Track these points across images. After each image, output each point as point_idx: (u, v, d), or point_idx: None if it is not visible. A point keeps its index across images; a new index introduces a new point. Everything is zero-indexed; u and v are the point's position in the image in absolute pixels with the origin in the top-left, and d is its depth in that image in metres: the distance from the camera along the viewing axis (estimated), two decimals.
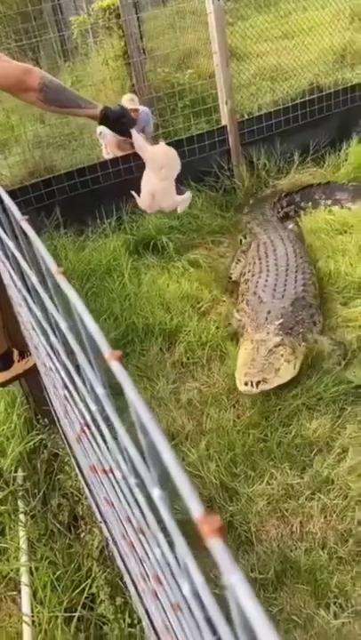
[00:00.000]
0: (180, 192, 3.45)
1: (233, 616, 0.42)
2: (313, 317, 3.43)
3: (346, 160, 5.20)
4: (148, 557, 0.82)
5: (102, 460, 0.88)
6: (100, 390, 0.63)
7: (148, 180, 3.53)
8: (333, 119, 5.41)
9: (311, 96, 5.37)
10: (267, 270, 3.73)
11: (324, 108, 5.35)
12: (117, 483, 0.80)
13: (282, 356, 3.03)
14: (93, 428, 0.82)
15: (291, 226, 4.41)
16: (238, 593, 0.37)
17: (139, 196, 3.38)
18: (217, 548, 0.38)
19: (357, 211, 4.59)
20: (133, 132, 3.31)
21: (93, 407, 0.72)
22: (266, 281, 3.63)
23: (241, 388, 2.91)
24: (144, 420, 0.45)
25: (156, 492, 0.48)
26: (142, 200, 3.47)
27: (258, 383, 2.87)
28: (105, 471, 0.90)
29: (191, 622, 0.61)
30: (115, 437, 0.66)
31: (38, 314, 0.90)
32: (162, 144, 3.58)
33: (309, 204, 4.81)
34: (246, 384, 2.87)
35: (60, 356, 0.87)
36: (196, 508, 0.39)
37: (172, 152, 3.53)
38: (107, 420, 0.68)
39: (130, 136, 3.24)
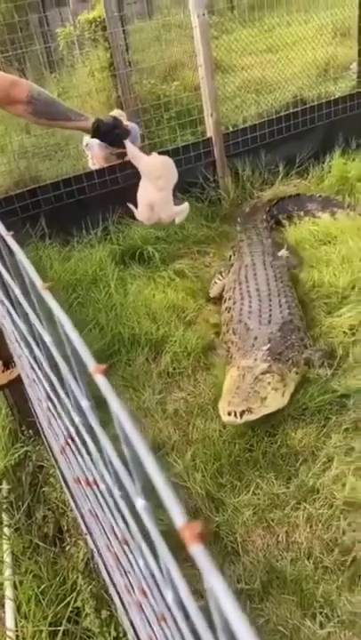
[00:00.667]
0: (177, 202, 3.44)
1: (214, 620, 0.42)
2: (303, 341, 3.34)
3: (329, 172, 5.28)
4: (133, 569, 0.82)
5: (86, 472, 0.88)
6: (84, 403, 0.63)
7: (146, 192, 3.44)
8: (317, 132, 5.49)
9: (295, 109, 5.45)
10: (248, 296, 3.61)
11: (307, 120, 5.43)
12: (102, 494, 0.80)
13: (269, 384, 2.91)
14: (77, 440, 0.82)
15: (283, 252, 4.25)
16: (219, 596, 0.37)
17: (136, 208, 3.36)
18: (198, 552, 0.39)
19: (328, 220, 4.72)
20: (127, 142, 3.25)
21: (77, 419, 0.72)
22: (250, 307, 3.51)
23: (224, 418, 2.79)
24: (128, 432, 0.45)
25: (139, 503, 0.48)
26: (140, 212, 3.38)
27: (242, 413, 2.75)
28: (89, 483, 0.90)
29: (175, 633, 0.62)
30: (99, 449, 0.66)
31: (22, 326, 0.91)
32: (155, 154, 3.57)
33: (285, 215, 4.89)
34: (230, 414, 2.76)
35: (44, 368, 0.88)
36: (178, 515, 0.40)
37: (169, 162, 3.45)
38: (90, 431, 0.69)
39: (124, 147, 3.24)
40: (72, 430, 0.85)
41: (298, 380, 3.12)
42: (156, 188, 3.45)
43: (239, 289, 3.72)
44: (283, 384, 2.98)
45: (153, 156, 3.50)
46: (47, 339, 0.70)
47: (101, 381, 0.50)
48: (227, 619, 0.36)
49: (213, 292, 4.15)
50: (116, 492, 0.61)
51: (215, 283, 4.16)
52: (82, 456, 0.86)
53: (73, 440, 0.89)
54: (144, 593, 0.78)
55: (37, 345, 0.90)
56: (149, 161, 3.41)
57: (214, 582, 0.37)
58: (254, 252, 4.15)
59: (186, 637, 0.61)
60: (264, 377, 2.93)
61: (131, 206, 3.36)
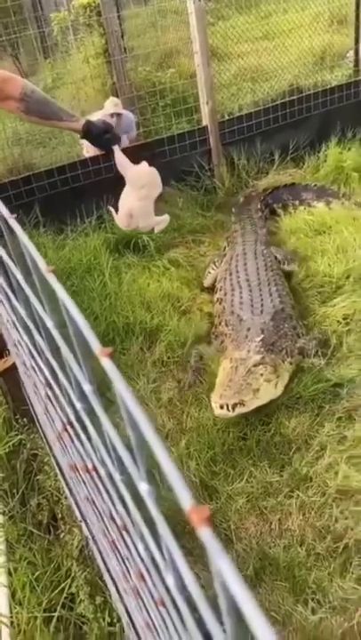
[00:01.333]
0: (158, 213, 3.45)
1: (220, 603, 0.43)
2: (296, 329, 3.34)
3: (325, 161, 5.26)
4: (131, 554, 0.83)
5: (85, 459, 0.88)
6: (86, 387, 0.63)
7: (128, 199, 3.48)
8: (313, 120, 5.47)
9: (291, 97, 5.42)
10: (239, 287, 3.59)
11: (303, 109, 5.41)
12: (101, 480, 0.80)
13: (261, 375, 2.90)
14: (77, 426, 0.82)
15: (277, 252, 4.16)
16: (227, 578, 0.38)
17: (117, 212, 3.39)
18: (206, 535, 0.39)
19: (323, 209, 4.71)
20: (116, 149, 3.27)
21: (78, 405, 0.72)
22: (241, 297, 3.49)
23: (216, 411, 2.77)
24: (134, 414, 0.45)
25: (143, 487, 0.48)
26: (119, 218, 3.45)
27: (234, 406, 2.74)
28: (88, 469, 0.90)
29: (175, 616, 0.62)
30: (100, 434, 0.66)
31: (22, 312, 0.90)
32: (144, 164, 3.56)
33: (280, 204, 4.88)
34: (222, 407, 2.74)
35: (45, 354, 0.87)
36: (186, 499, 0.40)
37: (155, 172, 3.51)
38: (91, 416, 0.68)
39: (112, 151, 3.19)
40: (72, 416, 0.85)
41: (292, 371, 3.12)
42: (138, 197, 3.52)
43: (230, 279, 3.71)
44: (276, 375, 2.97)
45: (140, 166, 3.53)
46: (49, 323, 0.70)
47: (107, 364, 0.50)
48: (235, 600, 0.36)
49: (207, 281, 4.15)
50: (118, 477, 0.61)
51: (209, 272, 4.16)
52: (81, 442, 0.86)
53: (72, 426, 0.89)
54: (143, 578, 0.79)
55: (38, 330, 0.90)
56: (136, 169, 3.46)
57: (222, 564, 0.37)
58: (246, 241, 4.14)
59: (187, 620, 0.61)
60: (257, 369, 2.92)
61: (112, 210, 3.41)
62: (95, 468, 0.80)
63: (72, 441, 0.94)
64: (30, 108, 2.61)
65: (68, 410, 0.82)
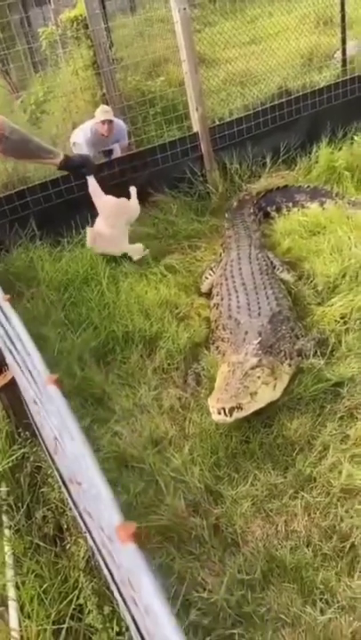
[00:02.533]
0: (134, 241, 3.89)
1: (144, 614, 0.44)
2: (294, 331, 3.32)
3: (316, 162, 5.28)
4: (122, 564, 0.84)
5: (74, 472, 0.89)
6: (48, 407, 0.64)
7: (98, 224, 3.95)
8: (303, 122, 5.50)
9: (280, 100, 5.45)
10: (235, 291, 3.58)
11: (293, 111, 5.43)
12: (87, 493, 0.81)
13: (259, 378, 2.87)
14: (60, 442, 0.84)
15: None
16: (147, 592, 0.39)
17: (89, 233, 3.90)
18: (130, 551, 0.40)
19: (317, 209, 4.72)
20: (90, 179, 3.66)
21: (55, 422, 0.73)
22: (238, 302, 3.48)
23: (214, 417, 2.76)
24: (71, 430, 0.47)
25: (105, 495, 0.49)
26: (88, 238, 3.94)
27: (231, 410, 2.70)
28: (77, 482, 0.91)
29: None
30: (72, 449, 0.67)
31: (2, 332, 0.92)
32: (111, 197, 4.00)
33: (273, 207, 4.88)
34: (219, 412, 2.71)
35: (25, 373, 0.89)
36: (114, 516, 0.41)
37: (123, 205, 3.95)
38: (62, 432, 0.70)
39: (86, 181, 3.65)
40: (56, 432, 0.86)
41: (292, 373, 3.12)
42: (105, 224, 3.90)
43: (226, 284, 3.71)
44: (273, 377, 2.94)
45: (109, 197, 3.94)
46: (19, 346, 0.71)
47: (52, 391, 0.52)
48: (156, 615, 0.37)
49: (204, 287, 4.16)
50: (93, 492, 0.62)
51: (206, 278, 4.17)
52: (67, 457, 0.87)
53: (58, 441, 0.90)
54: (132, 587, 0.80)
55: (18, 352, 0.92)
56: (103, 200, 3.87)
57: (144, 579, 0.38)
58: (241, 246, 4.15)
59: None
60: (254, 372, 2.89)
61: (88, 229, 3.89)
62: (80, 482, 0.82)
63: (60, 455, 0.96)
64: (7, 148, 2.68)
65: (52, 425, 0.84)
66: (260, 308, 3.37)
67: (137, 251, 3.98)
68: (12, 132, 2.61)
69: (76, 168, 3.21)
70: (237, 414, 2.73)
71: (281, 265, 4.01)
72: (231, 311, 3.45)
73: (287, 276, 3.96)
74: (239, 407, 2.73)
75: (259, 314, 3.33)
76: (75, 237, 4.68)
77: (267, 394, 2.89)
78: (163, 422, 3.08)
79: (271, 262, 3.97)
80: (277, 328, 3.24)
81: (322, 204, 4.76)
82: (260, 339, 3.11)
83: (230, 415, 2.71)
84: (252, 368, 2.91)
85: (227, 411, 2.70)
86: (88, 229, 3.83)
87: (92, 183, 3.57)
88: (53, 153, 2.95)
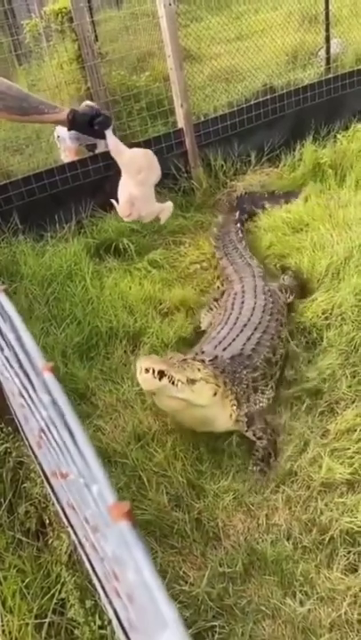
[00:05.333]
0: (160, 200, 3.30)
1: (135, 586, 0.45)
2: (256, 382, 2.95)
3: (300, 159, 5.32)
4: (106, 555, 0.85)
5: (59, 464, 0.90)
6: (44, 397, 0.65)
7: (126, 187, 3.24)
8: (287, 119, 5.53)
9: (265, 97, 5.47)
10: (224, 323, 3.31)
11: (277, 108, 5.46)
12: (73, 485, 0.82)
13: (199, 370, 2.62)
14: (48, 434, 0.85)
15: (286, 278, 3.89)
16: (141, 565, 0.40)
17: (117, 203, 3.25)
18: (124, 528, 0.42)
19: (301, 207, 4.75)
20: (109, 133, 3.04)
21: (44, 413, 0.74)
22: (218, 334, 3.22)
23: (139, 377, 2.44)
24: (68, 420, 0.48)
25: (94, 489, 0.51)
26: (121, 208, 3.20)
27: (161, 374, 2.40)
28: (62, 475, 0.92)
29: (144, 608, 0.64)
30: (63, 442, 0.68)
31: None
32: (138, 149, 3.39)
33: (245, 215, 4.87)
34: (147, 371, 2.39)
35: (14, 365, 0.89)
36: (108, 496, 0.43)
37: (150, 155, 3.30)
38: (54, 424, 0.71)
39: (104, 137, 2.99)
40: (42, 424, 0.87)
41: (230, 399, 2.82)
42: (136, 183, 3.24)
43: (220, 316, 3.45)
44: (215, 382, 2.69)
45: (135, 149, 3.31)
46: (11, 337, 0.72)
47: (49, 379, 0.53)
48: (148, 585, 0.39)
49: (204, 324, 3.75)
50: (81, 481, 0.64)
51: (205, 315, 3.79)
52: (53, 449, 0.88)
53: (44, 433, 0.91)
54: (117, 577, 0.81)
55: (6, 343, 0.92)
56: (130, 153, 3.23)
57: (137, 554, 0.40)
58: (244, 278, 3.78)
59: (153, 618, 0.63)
60: (194, 362, 2.66)
61: (113, 202, 3.24)
62: (67, 474, 0.83)
63: (47, 448, 0.97)
64: (8, 105, 2.52)
65: (39, 417, 0.85)
66: (229, 344, 3.09)
67: (168, 209, 3.46)
68: (9, 86, 2.49)
69: (88, 121, 2.81)
70: (166, 386, 2.44)
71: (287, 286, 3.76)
72: (205, 341, 3.24)
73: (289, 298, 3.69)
74: (171, 378, 2.44)
75: (224, 349, 3.06)
76: (58, 232, 4.67)
77: (205, 392, 2.61)
78: (146, 418, 3.09)
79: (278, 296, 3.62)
80: (237, 369, 2.93)
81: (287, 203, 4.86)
82: (210, 358, 2.89)
83: (159, 378, 2.40)
84: (193, 359, 2.73)
85: (155, 372, 2.40)
86: (120, 196, 3.15)
87: (111, 137, 2.94)
88: (58, 107, 2.74)
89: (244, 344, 3.10)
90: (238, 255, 4.12)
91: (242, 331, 3.20)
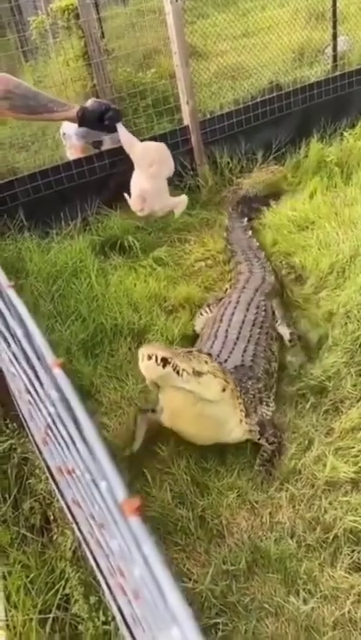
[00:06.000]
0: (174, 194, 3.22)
1: (146, 581, 0.46)
2: (261, 393, 2.88)
3: (306, 157, 5.30)
4: (112, 551, 0.86)
5: (65, 461, 0.90)
6: (52, 394, 0.66)
7: (138, 181, 3.23)
8: (293, 117, 5.51)
9: (271, 95, 5.45)
10: (214, 337, 3.16)
11: (283, 106, 5.44)
12: (79, 481, 0.83)
13: (206, 363, 2.46)
14: (54, 430, 0.85)
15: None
16: (151, 561, 0.40)
17: (130, 197, 3.18)
18: (135, 523, 0.42)
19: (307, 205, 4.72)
20: (120, 126, 3.05)
21: (52, 409, 0.74)
22: (211, 349, 3.06)
23: (141, 364, 2.29)
24: (78, 416, 0.48)
25: (103, 485, 0.51)
26: (133, 203, 3.18)
27: (165, 361, 2.24)
28: (68, 471, 0.93)
29: (150, 604, 0.65)
30: (71, 438, 0.69)
31: None
32: (150, 142, 3.34)
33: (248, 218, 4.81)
34: (150, 358, 2.24)
35: (21, 361, 0.90)
36: (119, 492, 0.43)
37: (163, 148, 3.33)
38: (62, 421, 0.71)
39: (115, 131, 3.01)
40: (49, 420, 0.87)
41: (238, 400, 2.70)
42: (148, 176, 3.26)
43: (210, 327, 3.31)
44: (223, 378, 2.54)
45: (147, 142, 3.33)
46: (19, 332, 0.72)
47: (58, 374, 0.53)
48: (158, 580, 0.39)
49: (198, 325, 3.67)
50: (88, 477, 0.64)
51: (201, 315, 3.70)
52: (60, 445, 0.89)
53: (51, 429, 0.91)
54: (122, 573, 0.81)
55: (13, 339, 0.92)
56: (143, 146, 3.27)
57: (147, 549, 0.40)
58: (246, 288, 3.63)
59: (161, 614, 0.64)
60: (200, 355, 2.49)
61: (126, 196, 3.19)
62: (74, 470, 0.83)
63: (53, 444, 0.97)
64: (16, 104, 2.49)
65: (46, 414, 0.85)
66: (229, 357, 2.98)
67: (183, 203, 3.43)
68: (17, 85, 2.45)
69: (99, 117, 2.79)
70: (170, 374, 2.28)
71: (282, 317, 3.49)
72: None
73: (285, 331, 3.42)
74: (175, 366, 2.27)
75: (225, 361, 2.94)
76: (64, 229, 4.67)
77: (213, 388, 2.46)
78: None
79: (273, 313, 3.48)
80: (242, 379, 2.83)
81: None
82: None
83: (162, 366, 2.24)
84: (200, 351, 2.59)
85: (159, 359, 2.23)
86: (132, 189, 3.05)
87: (123, 130, 2.99)
88: (67, 105, 2.72)
89: (243, 356, 3.00)
90: (260, 266, 3.96)
91: (235, 344, 3.07)
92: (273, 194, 5.02)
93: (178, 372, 2.30)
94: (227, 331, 3.16)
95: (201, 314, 3.69)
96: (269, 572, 2.30)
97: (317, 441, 2.77)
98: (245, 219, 4.65)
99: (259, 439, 2.74)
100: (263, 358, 3.05)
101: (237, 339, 3.10)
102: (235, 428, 2.68)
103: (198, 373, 2.39)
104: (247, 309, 3.33)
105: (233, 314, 3.30)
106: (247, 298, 3.47)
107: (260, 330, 3.20)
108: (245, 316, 3.26)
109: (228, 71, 6.36)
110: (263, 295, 3.54)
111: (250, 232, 4.43)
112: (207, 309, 3.66)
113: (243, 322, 3.22)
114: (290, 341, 3.37)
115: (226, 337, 3.12)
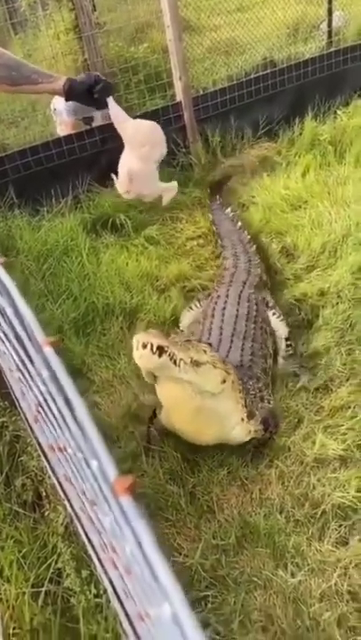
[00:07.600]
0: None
1: (137, 558, 0.47)
2: (261, 392, 2.81)
3: (300, 135, 5.25)
4: (104, 528, 0.87)
5: (56, 438, 0.91)
6: (44, 373, 0.66)
7: (127, 160, 3.02)
8: (287, 94, 5.44)
9: (265, 71, 5.37)
10: (208, 334, 3.03)
11: (277, 83, 5.37)
12: (71, 459, 0.84)
13: (205, 352, 2.33)
14: (46, 408, 0.85)
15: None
16: (142, 539, 0.41)
17: (117, 177, 2.99)
18: (126, 502, 0.43)
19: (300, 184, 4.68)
20: (111, 101, 2.81)
21: (43, 388, 0.75)
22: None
23: (136, 354, 2.16)
24: (69, 396, 0.48)
25: (94, 464, 0.52)
26: (120, 183, 3.00)
27: (160, 350, 2.11)
28: (60, 449, 0.94)
29: (141, 581, 0.66)
30: (61, 416, 0.69)
31: None
32: (142, 120, 3.12)
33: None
34: (145, 346, 2.11)
35: (11, 339, 0.90)
36: (111, 471, 0.44)
37: (156, 127, 3.09)
38: (53, 399, 0.72)
39: (106, 106, 2.78)
40: (40, 398, 0.88)
41: (239, 392, 2.56)
42: (138, 157, 3.01)
43: (203, 324, 3.18)
44: (224, 368, 2.41)
45: (140, 121, 3.10)
46: (9, 310, 0.72)
47: (49, 353, 0.53)
48: (148, 557, 0.40)
49: (184, 322, 3.55)
50: (79, 455, 0.65)
51: (189, 309, 3.58)
52: (51, 423, 0.89)
53: (42, 407, 0.92)
54: (114, 549, 0.83)
55: (3, 317, 0.92)
56: (135, 125, 3.01)
57: (138, 527, 0.41)
58: (235, 282, 3.49)
59: (149, 587, 0.65)
60: (199, 344, 2.37)
61: (113, 176, 3.02)
62: (65, 448, 0.84)
63: (44, 422, 0.98)
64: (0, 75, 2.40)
65: (37, 392, 0.85)
66: (227, 356, 2.83)
67: (172, 190, 3.21)
68: (0, 54, 2.37)
69: (87, 90, 2.55)
70: (167, 364, 2.15)
71: (278, 310, 3.38)
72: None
73: (281, 326, 3.31)
74: (172, 355, 2.15)
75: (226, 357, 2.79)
76: (55, 207, 4.62)
77: (212, 379, 2.33)
78: (142, 393, 3.11)
79: (267, 304, 3.39)
80: (242, 379, 2.71)
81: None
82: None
83: (158, 354, 2.11)
84: (199, 341, 2.49)
85: (154, 347, 2.11)
86: (120, 169, 2.89)
87: (113, 105, 2.73)
88: (53, 76, 2.56)
89: (241, 355, 2.89)
90: (246, 259, 3.81)
91: (232, 342, 2.95)
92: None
93: (175, 362, 2.17)
94: (221, 327, 3.04)
95: (189, 308, 3.56)
96: (258, 547, 2.34)
97: (307, 419, 2.81)
98: (229, 208, 4.49)
99: (263, 435, 2.69)
100: (261, 357, 2.96)
101: (233, 335, 2.97)
102: (237, 425, 2.57)
103: (197, 363, 2.26)
104: (238, 303, 3.20)
105: (224, 308, 3.17)
106: (236, 291, 3.34)
107: (255, 325, 3.08)
108: (238, 310, 3.14)
109: (222, 46, 6.25)
110: (252, 288, 3.42)
111: (239, 223, 4.24)
112: (197, 304, 3.54)
113: (236, 316, 3.09)
114: (286, 340, 3.29)
115: (221, 333, 3.00)
